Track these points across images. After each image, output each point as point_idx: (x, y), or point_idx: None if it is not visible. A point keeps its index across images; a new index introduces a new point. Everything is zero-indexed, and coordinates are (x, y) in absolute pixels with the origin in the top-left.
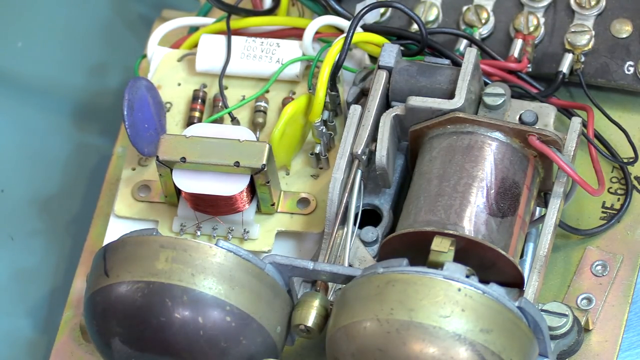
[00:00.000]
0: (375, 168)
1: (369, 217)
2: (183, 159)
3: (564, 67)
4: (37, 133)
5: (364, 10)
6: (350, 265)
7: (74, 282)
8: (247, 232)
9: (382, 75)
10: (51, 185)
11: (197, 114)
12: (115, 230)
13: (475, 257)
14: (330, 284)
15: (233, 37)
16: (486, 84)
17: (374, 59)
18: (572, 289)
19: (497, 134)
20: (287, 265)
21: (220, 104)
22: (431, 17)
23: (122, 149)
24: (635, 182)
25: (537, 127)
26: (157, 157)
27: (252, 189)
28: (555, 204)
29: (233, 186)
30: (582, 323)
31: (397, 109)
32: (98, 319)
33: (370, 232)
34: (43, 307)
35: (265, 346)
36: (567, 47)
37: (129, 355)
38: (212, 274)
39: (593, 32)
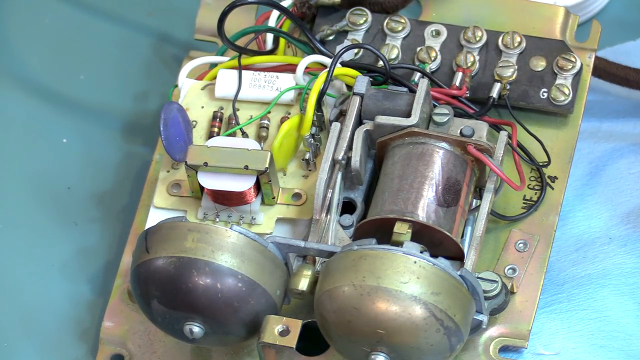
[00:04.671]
0: (351, 170)
1: (347, 207)
2: (205, 164)
3: (494, 93)
4: (96, 144)
5: (342, 51)
6: (332, 244)
7: (123, 257)
8: (254, 218)
9: (356, 100)
10: (106, 183)
11: (216, 129)
12: (154, 217)
13: (427, 238)
14: (317, 258)
15: (243, 71)
16: (435, 106)
17: (349, 87)
18: (500, 262)
19: (444, 144)
20: (284, 244)
21: (233, 122)
22: (393, 56)
23: (160, 156)
24: (548, 180)
25: (473, 138)
26: (186, 162)
27: (257, 186)
28: (487, 197)
29: (243, 184)
30: (509, 287)
31: (368, 125)
32: (141, 285)
33: (348, 219)
34: (99, 276)
35: (268, 305)
36: (496, 78)
37: (165, 312)
38: (227, 251)
39: (516, 67)
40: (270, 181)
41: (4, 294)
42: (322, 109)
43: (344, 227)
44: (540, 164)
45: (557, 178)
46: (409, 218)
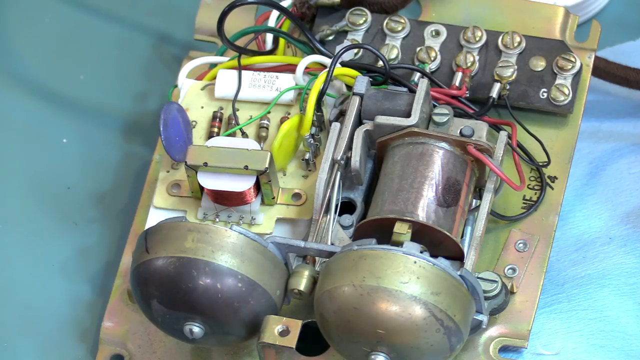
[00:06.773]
0: (351, 170)
1: (346, 207)
2: (205, 164)
3: (494, 93)
4: (96, 144)
5: (342, 51)
6: (332, 244)
7: (122, 257)
8: (254, 219)
9: (356, 100)
10: (106, 184)
11: (215, 129)
12: (154, 218)
13: (427, 238)
14: (317, 258)
15: (243, 72)
16: (435, 106)
17: (349, 87)
18: (500, 262)
19: (444, 144)
20: (284, 244)
21: (233, 122)
22: (392, 56)
23: (159, 156)
24: (548, 180)
25: (473, 138)
26: (186, 162)
27: (257, 186)
28: (487, 197)
29: (243, 184)
30: (509, 287)
31: (368, 125)
32: (141, 285)
33: (347, 219)
34: (99, 276)
35: (268, 306)
36: (496, 78)
37: (164, 312)
38: (227, 251)
39: (516, 67)
40: (270, 181)
41: (4, 294)
42: (322, 109)
43: (344, 227)
44: (540, 164)
45: (557, 178)
46: (409, 218)
